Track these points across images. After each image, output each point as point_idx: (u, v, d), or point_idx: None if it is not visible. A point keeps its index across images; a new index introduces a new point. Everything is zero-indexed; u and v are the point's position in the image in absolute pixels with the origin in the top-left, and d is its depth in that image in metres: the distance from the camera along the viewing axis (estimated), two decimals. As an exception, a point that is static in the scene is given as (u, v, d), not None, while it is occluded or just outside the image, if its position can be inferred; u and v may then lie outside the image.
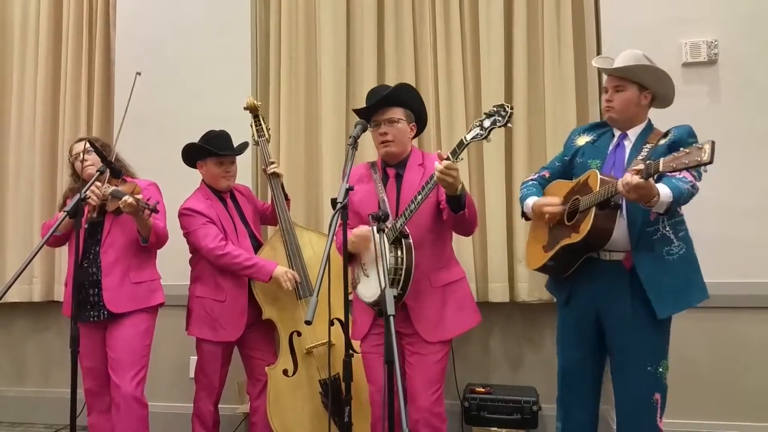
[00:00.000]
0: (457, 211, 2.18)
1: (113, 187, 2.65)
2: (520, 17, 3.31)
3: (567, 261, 2.26)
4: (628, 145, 2.29)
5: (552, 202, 2.28)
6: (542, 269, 2.38)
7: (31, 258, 2.21)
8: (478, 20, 3.38)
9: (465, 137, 2.09)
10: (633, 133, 2.30)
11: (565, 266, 2.28)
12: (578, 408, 2.37)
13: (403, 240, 2.25)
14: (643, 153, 2.16)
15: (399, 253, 2.23)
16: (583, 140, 2.39)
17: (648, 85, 2.29)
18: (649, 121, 2.33)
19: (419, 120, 2.51)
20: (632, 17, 3.14)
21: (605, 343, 2.28)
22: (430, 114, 3.35)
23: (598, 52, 3.23)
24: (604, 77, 2.41)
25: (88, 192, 2.54)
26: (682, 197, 2.07)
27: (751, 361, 2.94)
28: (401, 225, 2.24)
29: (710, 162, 1.81)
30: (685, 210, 3.04)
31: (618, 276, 2.19)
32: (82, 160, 2.71)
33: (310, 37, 3.62)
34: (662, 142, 2.20)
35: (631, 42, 3.10)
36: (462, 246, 3.18)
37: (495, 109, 2.05)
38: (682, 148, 1.89)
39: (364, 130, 2.28)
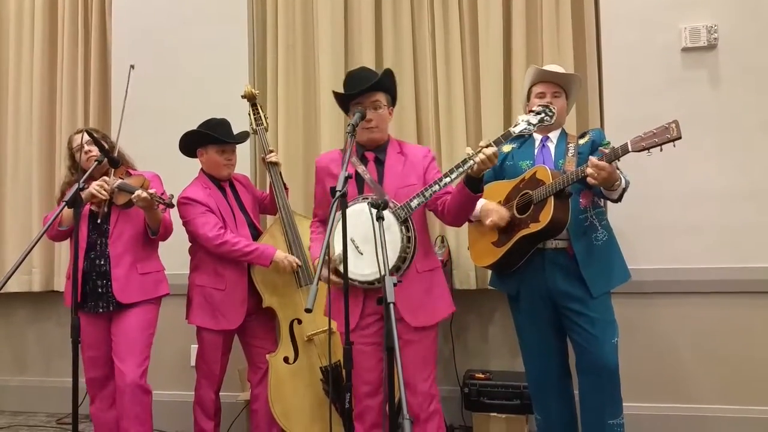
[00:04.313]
0: (476, 191, 2.20)
1: (120, 180, 2.63)
2: (518, 2, 3.28)
3: (521, 252, 2.43)
4: (551, 145, 2.56)
5: (499, 210, 2.44)
6: (494, 264, 2.53)
7: (30, 248, 2.20)
8: (477, 7, 3.35)
9: (512, 130, 2.17)
10: (553, 135, 2.59)
11: (517, 258, 2.45)
12: (554, 396, 2.53)
13: (410, 220, 2.25)
14: (571, 150, 2.47)
15: (405, 231, 2.23)
16: (508, 147, 2.61)
17: (570, 95, 2.62)
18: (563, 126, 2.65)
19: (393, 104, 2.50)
20: (631, 2, 3.12)
21: (563, 325, 2.46)
22: (428, 102, 3.38)
23: (598, 38, 3.22)
24: (525, 84, 2.67)
25: (96, 188, 2.54)
26: (627, 186, 2.35)
27: (752, 346, 2.96)
28: (417, 205, 2.22)
29: (679, 137, 2.12)
30: (686, 194, 3.07)
31: (565, 262, 2.40)
32: (86, 151, 2.69)
33: (307, 25, 3.60)
34: (582, 141, 2.51)
35: (630, 27, 3.12)
36: (460, 234, 3.18)
37: (541, 108, 2.17)
38: (645, 130, 2.19)
39: (362, 117, 2.26)
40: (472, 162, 2.13)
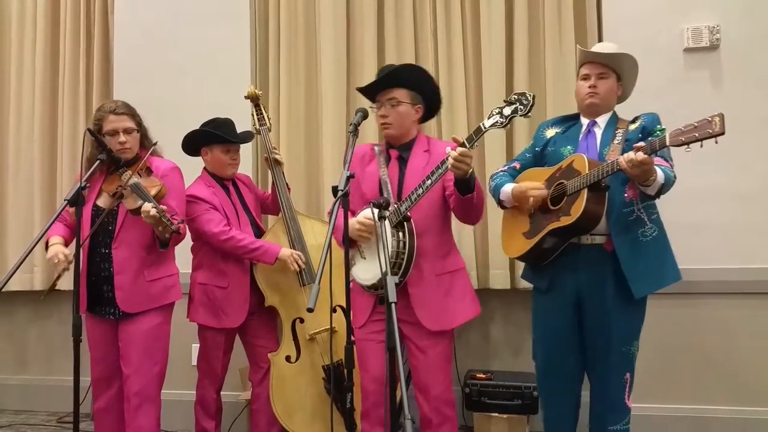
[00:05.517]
0: (465, 194, 2.13)
1: (136, 180, 2.41)
2: (521, 3, 3.28)
3: (552, 246, 2.27)
4: (598, 131, 2.36)
5: (536, 185, 2.28)
6: (523, 256, 2.39)
7: (32, 247, 2.20)
8: (479, 7, 3.35)
9: (483, 124, 2.05)
10: (602, 120, 2.38)
11: (548, 252, 2.29)
12: (559, 399, 2.40)
13: (405, 223, 2.21)
14: (618, 137, 2.25)
15: (401, 236, 2.19)
16: (552, 132, 2.45)
17: (623, 75, 2.39)
18: (614, 110, 2.42)
19: (430, 103, 2.43)
20: (634, 2, 3.12)
21: (582, 325, 2.32)
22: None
23: (600, 39, 3.21)
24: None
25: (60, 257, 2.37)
26: (670, 181, 2.15)
27: (755, 346, 2.96)
28: (406, 209, 2.20)
29: (722, 133, 1.88)
30: (687, 195, 3.05)
31: (600, 259, 2.23)
32: (121, 142, 2.48)
33: (309, 25, 3.60)
34: (632, 127, 2.30)
35: (632, 28, 3.11)
36: (463, 233, 3.19)
37: (516, 97, 2.01)
38: (687, 123, 1.93)
39: (364, 117, 2.26)
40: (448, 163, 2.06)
